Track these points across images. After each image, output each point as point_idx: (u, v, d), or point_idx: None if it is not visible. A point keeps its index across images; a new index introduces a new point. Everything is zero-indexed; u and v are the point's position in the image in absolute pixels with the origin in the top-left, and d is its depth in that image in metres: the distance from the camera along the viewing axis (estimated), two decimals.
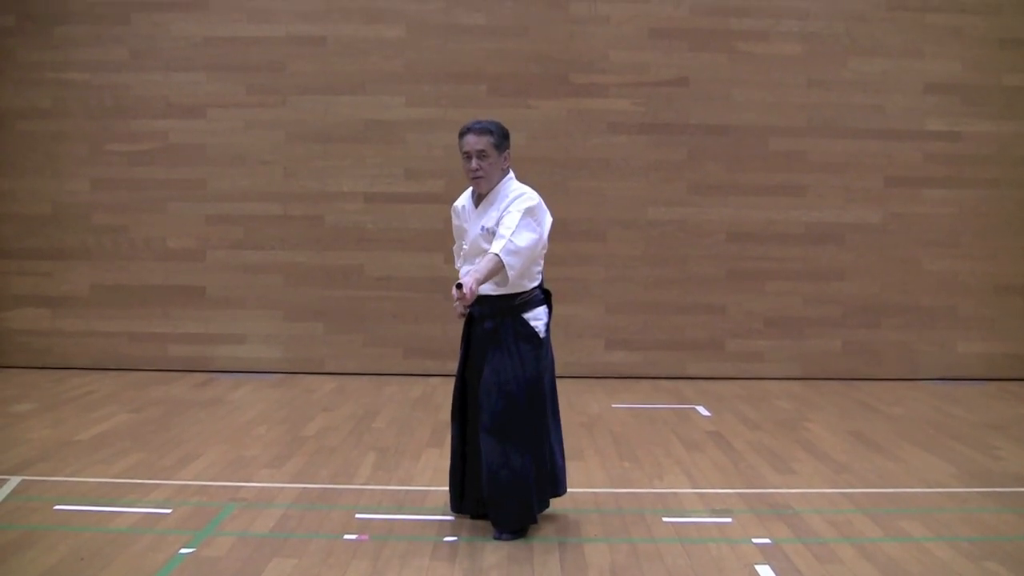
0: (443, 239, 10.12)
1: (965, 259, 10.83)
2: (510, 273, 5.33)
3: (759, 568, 5.09)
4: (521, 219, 5.38)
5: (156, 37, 10.66)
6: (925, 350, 10.87)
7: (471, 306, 5.53)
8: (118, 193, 10.75)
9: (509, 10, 10.66)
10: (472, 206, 5.69)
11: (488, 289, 5.44)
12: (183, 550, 5.25)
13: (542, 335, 5.62)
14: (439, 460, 7.14)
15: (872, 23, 10.67)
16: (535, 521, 5.59)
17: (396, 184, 10.71)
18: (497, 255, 5.27)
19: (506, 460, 5.45)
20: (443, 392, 9.77)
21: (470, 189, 5.75)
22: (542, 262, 5.66)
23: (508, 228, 5.35)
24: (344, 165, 10.72)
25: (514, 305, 5.56)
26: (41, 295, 10.85)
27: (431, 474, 6.85)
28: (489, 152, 5.52)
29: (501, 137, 5.58)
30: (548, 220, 5.61)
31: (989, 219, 10.82)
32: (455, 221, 5.87)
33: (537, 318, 5.61)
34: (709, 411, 9.12)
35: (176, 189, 10.73)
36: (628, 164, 10.73)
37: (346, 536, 5.55)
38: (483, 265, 5.29)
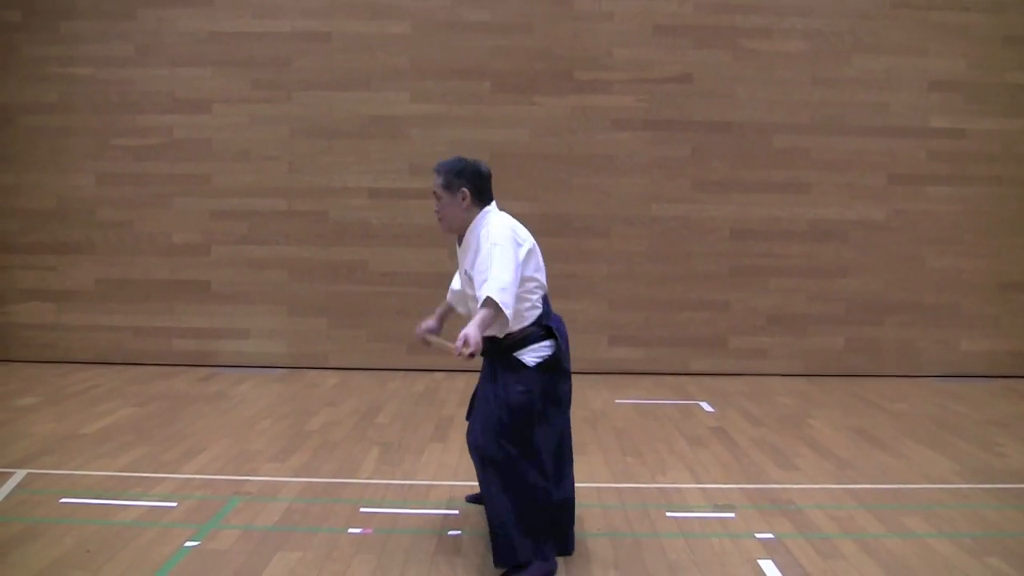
0: (447, 235, 10.12)
1: (969, 256, 10.84)
2: (507, 312, 4.84)
3: (762, 563, 5.12)
4: (493, 254, 4.94)
5: (162, 32, 10.68)
6: (928, 347, 10.88)
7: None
8: (123, 188, 10.77)
9: (514, 7, 10.67)
10: (457, 245, 5.33)
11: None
12: (188, 543, 5.28)
13: (530, 364, 5.06)
14: (442, 455, 7.16)
15: (876, 20, 10.68)
16: (519, 562, 4.93)
17: (400, 180, 10.72)
18: (489, 298, 4.81)
19: (487, 489, 5.00)
20: (447, 387, 9.81)
21: None
22: (533, 298, 5.16)
23: (485, 269, 4.94)
24: (349, 161, 10.74)
25: (504, 346, 5.10)
26: (46, 289, 10.88)
27: (435, 468, 6.87)
28: (440, 194, 5.15)
29: (452, 176, 5.13)
30: (523, 248, 5.07)
31: (993, 216, 10.82)
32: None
33: (528, 351, 5.09)
34: (712, 407, 9.14)
35: (181, 184, 10.76)
36: (632, 161, 10.74)
37: (350, 530, 5.58)
38: (481, 315, 4.80)
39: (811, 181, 10.77)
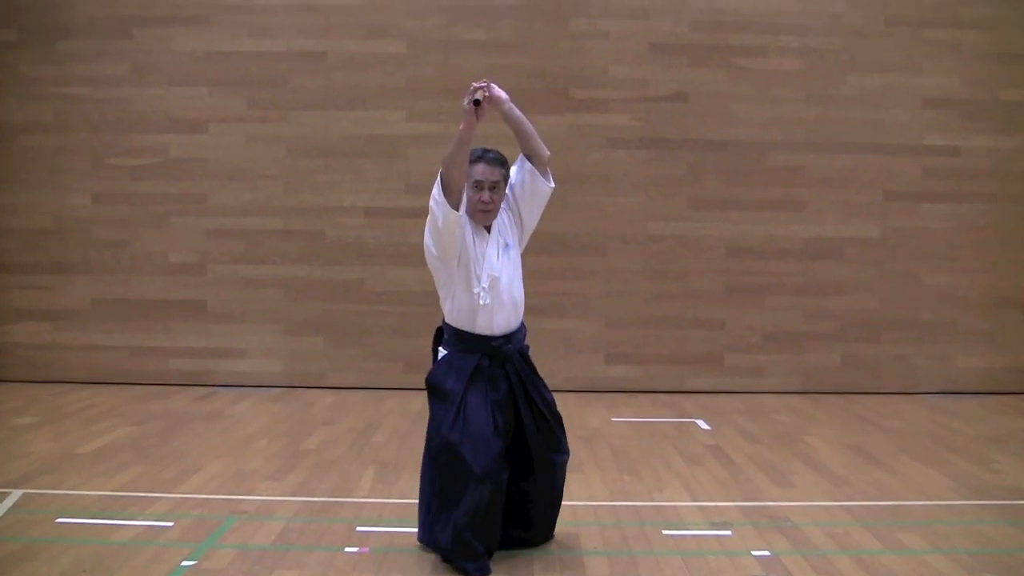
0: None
1: (964, 273, 10.86)
2: (547, 153, 5.52)
3: None
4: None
5: (157, 52, 10.71)
6: (924, 364, 10.88)
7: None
8: (119, 207, 10.78)
9: (509, 26, 10.71)
10: (478, 233, 5.55)
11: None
12: (184, 562, 5.27)
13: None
14: None
15: (870, 39, 10.72)
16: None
17: (397, 199, 10.73)
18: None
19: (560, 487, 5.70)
20: None
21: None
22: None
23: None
24: (345, 180, 10.75)
25: (523, 349, 5.93)
26: (42, 309, 10.87)
27: None
28: (500, 186, 5.48)
29: (507, 169, 5.55)
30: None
31: (988, 233, 10.85)
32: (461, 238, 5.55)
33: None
34: (709, 425, 9.14)
35: (177, 203, 10.76)
36: (628, 179, 10.77)
37: (347, 549, 5.57)
38: (526, 122, 5.46)
39: (806, 199, 10.80)
